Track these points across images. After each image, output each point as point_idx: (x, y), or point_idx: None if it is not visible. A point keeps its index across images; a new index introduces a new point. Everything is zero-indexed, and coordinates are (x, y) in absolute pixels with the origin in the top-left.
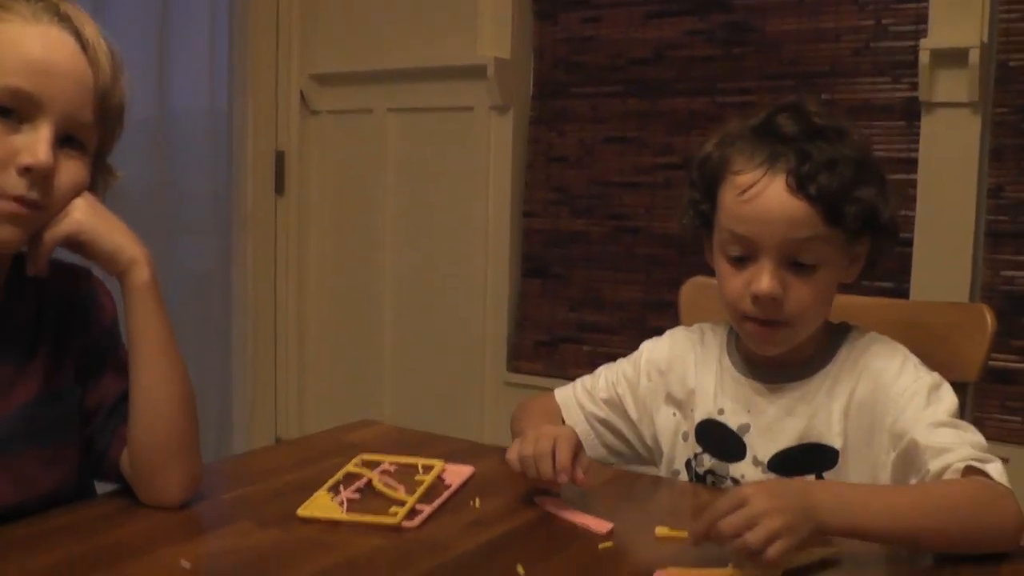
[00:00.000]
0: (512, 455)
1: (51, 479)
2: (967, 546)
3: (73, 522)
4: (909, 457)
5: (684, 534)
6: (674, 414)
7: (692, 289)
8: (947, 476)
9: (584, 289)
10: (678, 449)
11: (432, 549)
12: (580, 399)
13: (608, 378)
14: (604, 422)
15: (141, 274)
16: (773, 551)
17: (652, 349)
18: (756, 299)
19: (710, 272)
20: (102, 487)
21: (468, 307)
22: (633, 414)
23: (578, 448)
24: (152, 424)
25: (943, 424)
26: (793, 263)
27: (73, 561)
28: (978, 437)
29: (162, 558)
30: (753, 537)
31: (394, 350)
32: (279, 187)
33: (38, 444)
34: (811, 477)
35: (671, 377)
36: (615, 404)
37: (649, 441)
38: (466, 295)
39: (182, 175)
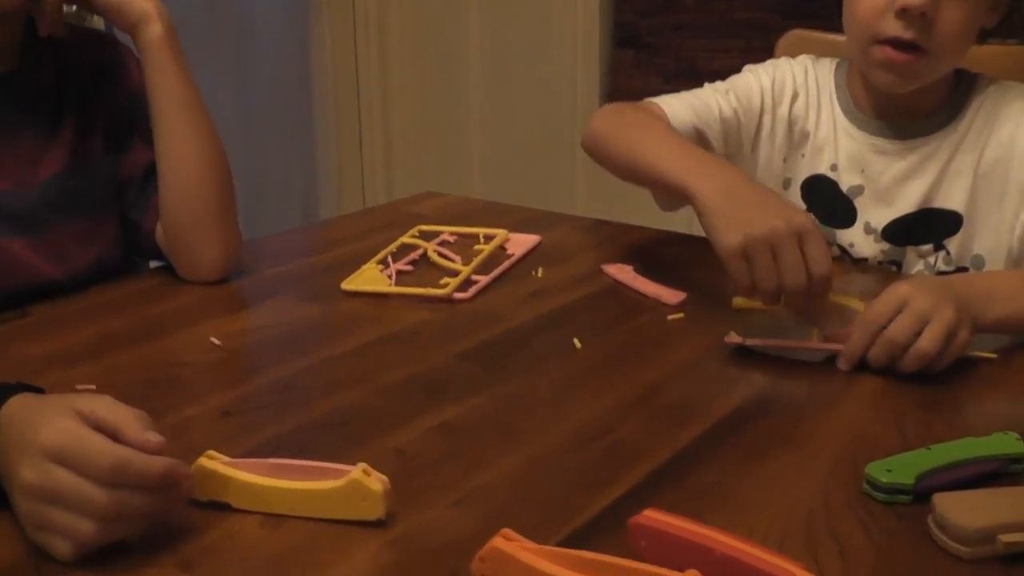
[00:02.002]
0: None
1: (89, 254)
2: None
3: (112, 299)
4: None
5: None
6: (784, 159)
7: (790, 43)
8: None
9: (678, 59)
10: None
11: (483, 321)
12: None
13: (714, 100)
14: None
15: (154, 29)
16: (951, 353)
17: (758, 76)
18: (903, 12)
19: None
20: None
21: (558, 80)
22: (727, 145)
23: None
24: (180, 189)
25: None
26: None
27: (105, 337)
28: None
29: (194, 334)
30: (929, 337)
31: (482, 125)
32: None
33: (72, 217)
34: (929, 246)
35: (779, 111)
36: (714, 127)
37: None
38: (556, 68)
39: None
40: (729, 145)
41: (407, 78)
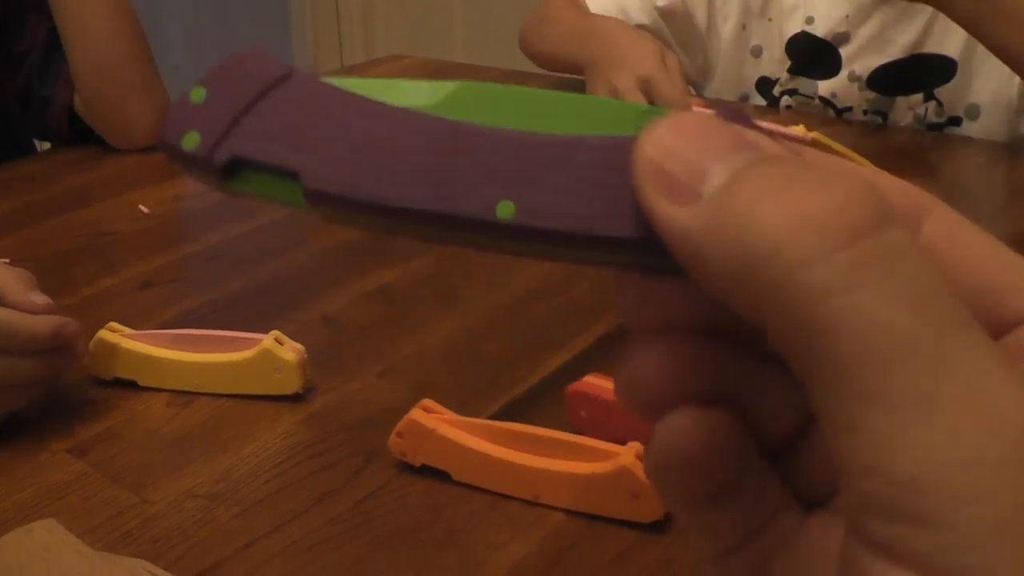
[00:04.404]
0: None
1: None
2: None
3: (32, 171)
4: None
5: None
6: (744, 26)
7: None
8: None
9: None
10: (745, 68)
11: None
12: (624, 4)
13: None
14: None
15: None
16: None
17: None
18: None
19: None
20: None
21: None
22: (675, 33)
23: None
24: (88, 48)
25: None
26: None
27: (23, 209)
28: None
29: (122, 203)
30: None
31: None
32: None
33: None
34: (918, 96)
35: None
36: (675, 13)
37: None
38: None
39: None
40: (678, 33)
41: None
